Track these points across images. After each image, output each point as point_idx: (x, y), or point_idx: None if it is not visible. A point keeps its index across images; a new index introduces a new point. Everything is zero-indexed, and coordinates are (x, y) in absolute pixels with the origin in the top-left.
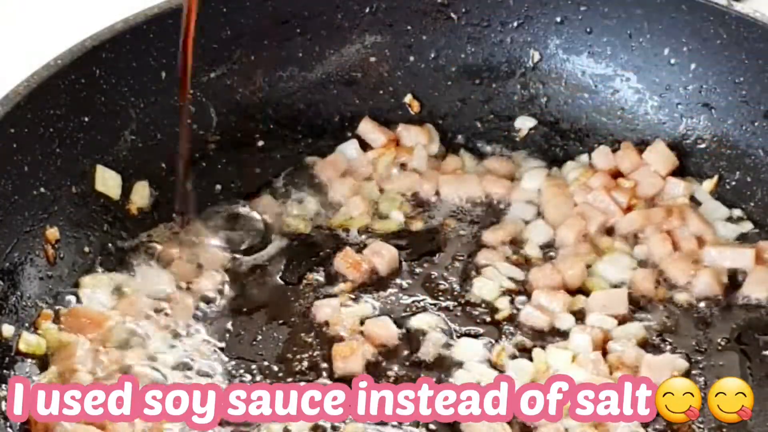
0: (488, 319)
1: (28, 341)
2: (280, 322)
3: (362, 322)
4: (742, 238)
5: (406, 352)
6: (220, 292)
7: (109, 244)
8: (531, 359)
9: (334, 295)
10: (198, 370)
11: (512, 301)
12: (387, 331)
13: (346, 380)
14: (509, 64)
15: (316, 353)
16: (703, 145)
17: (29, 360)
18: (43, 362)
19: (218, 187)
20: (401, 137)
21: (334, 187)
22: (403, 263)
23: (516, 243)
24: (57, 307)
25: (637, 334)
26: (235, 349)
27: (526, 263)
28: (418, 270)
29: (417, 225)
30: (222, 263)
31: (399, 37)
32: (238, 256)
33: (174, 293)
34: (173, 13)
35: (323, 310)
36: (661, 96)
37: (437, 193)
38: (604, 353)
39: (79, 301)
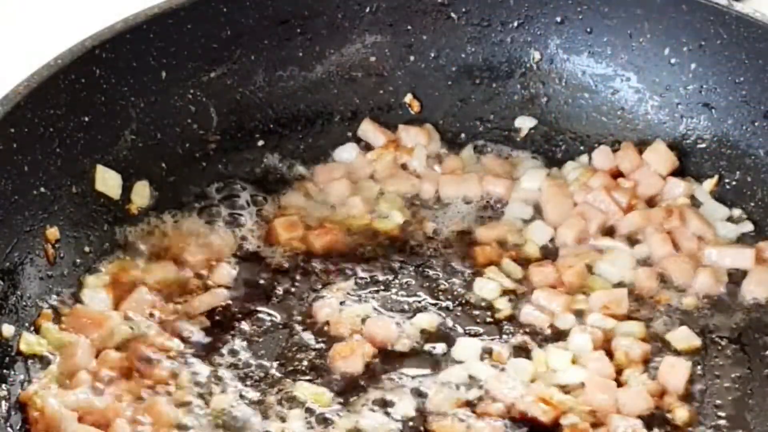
0: (488, 319)
1: (28, 341)
2: (281, 322)
3: (362, 322)
4: (742, 238)
5: (406, 352)
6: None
7: (109, 244)
8: (531, 359)
9: (334, 296)
10: (195, 372)
11: (512, 301)
12: (387, 331)
13: (347, 380)
14: (509, 64)
15: (316, 353)
16: (703, 145)
17: (29, 360)
18: (44, 362)
19: (218, 186)
20: (401, 137)
21: (333, 187)
22: (404, 263)
23: (516, 242)
24: (57, 307)
25: (638, 333)
26: (234, 349)
27: (525, 263)
28: (418, 270)
29: (417, 225)
30: (222, 259)
31: (399, 37)
32: (237, 253)
33: (174, 289)
34: (173, 13)
35: (323, 310)
36: (661, 96)
37: (437, 193)
38: (610, 353)
39: (79, 301)
